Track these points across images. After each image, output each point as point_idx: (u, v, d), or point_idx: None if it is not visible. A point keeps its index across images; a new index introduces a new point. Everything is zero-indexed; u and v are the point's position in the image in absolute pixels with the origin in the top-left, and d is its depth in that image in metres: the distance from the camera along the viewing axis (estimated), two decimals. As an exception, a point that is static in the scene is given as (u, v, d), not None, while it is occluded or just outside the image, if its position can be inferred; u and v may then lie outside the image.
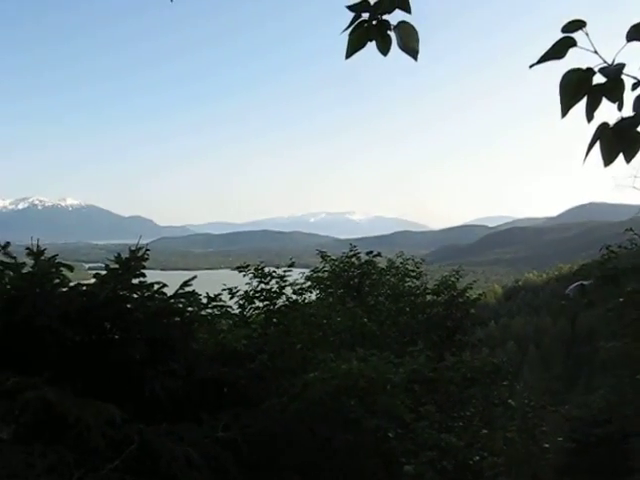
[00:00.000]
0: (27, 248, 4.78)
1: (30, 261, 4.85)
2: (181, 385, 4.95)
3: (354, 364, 5.35)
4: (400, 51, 2.03)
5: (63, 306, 4.76)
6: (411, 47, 2.01)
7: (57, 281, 4.82)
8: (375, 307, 10.38)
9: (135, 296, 5.11)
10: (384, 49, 2.08)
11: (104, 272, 5.29)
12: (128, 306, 5.06)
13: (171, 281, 5.44)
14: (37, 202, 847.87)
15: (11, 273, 4.72)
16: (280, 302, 7.57)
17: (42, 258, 4.82)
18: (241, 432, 4.81)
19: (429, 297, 11.81)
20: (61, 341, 4.67)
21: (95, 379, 4.83)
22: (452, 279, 13.04)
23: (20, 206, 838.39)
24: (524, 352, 70.93)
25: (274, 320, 7.12)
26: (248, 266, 7.75)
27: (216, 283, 5.96)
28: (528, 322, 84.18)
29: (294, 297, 7.83)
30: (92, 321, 4.87)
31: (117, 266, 5.13)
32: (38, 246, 4.80)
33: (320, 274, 11.00)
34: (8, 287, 4.69)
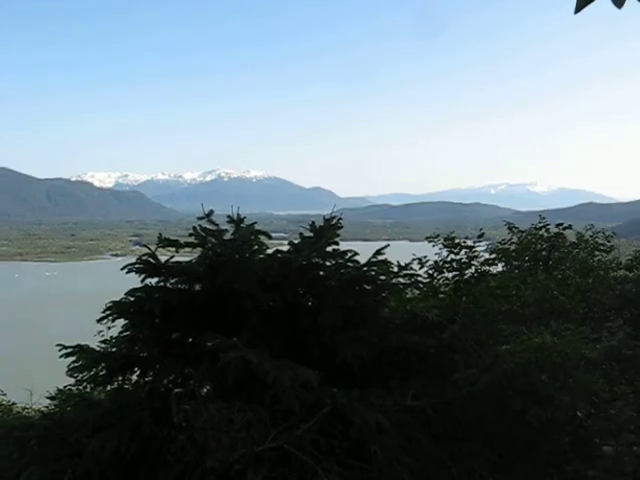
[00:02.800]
0: (228, 216, 5.16)
1: (231, 229, 5.21)
2: (371, 352, 5.10)
3: (547, 338, 5.24)
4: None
5: (261, 272, 5.09)
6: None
7: (255, 248, 5.16)
8: (563, 281, 9.99)
9: (328, 264, 5.34)
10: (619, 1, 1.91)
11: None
12: (321, 273, 5.30)
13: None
14: (224, 174, 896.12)
15: (213, 240, 5.11)
16: (469, 273, 7.53)
17: (242, 226, 5.16)
18: (430, 402, 4.88)
19: (621, 272, 11.15)
20: (258, 305, 5.01)
21: (289, 343, 5.11)
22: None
23: (208, 178, 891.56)
24: None
25: (463, 291, 7.11)
26: (438, 236, 7.78)
27: (396, 254, 6.04)
28: None
29: (483, 268, 7.75)
30: (287, 287, 5.19)
31: (311, 234, 5.37)
32: (238, 215, 5.17)
33: (507, 246, 10.77)
34: (210, 253, 5.08)
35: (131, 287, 5.28)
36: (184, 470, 4.38)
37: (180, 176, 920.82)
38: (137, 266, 5.20)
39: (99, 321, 5.40)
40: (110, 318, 5.34)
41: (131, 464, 4.75)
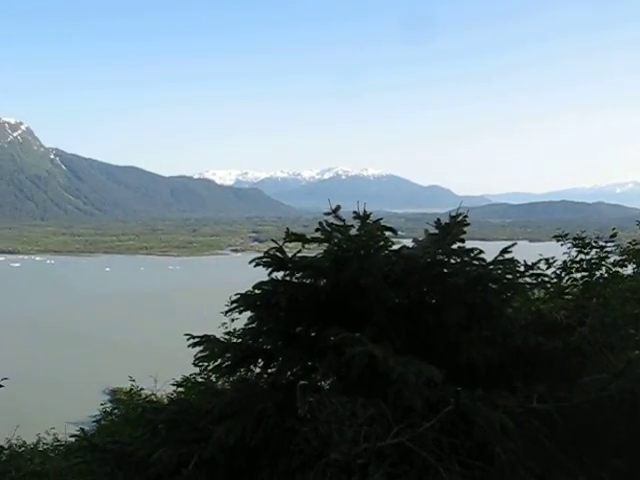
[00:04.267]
0: (354, 212, 5.20)
1: (356, 225, 5.26)
2: (495, 352, 5.00)
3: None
4: None
5: (386, 268, 5.10)
6: None
7: (381, 244, 5.18)
8: None
9: (453, 261, 5.29)
10: None
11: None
12: (445, 271, 5.25)
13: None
14: (341, 172, 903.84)
15: (339, 235, 5.16)
16: (598, 274, 7.25)
17: (368, 222, 5.20)
18: (556, 405, 4.74)
19: None
20: (382, 301, 5.02)
21: (412, 340, 5.09)
22: None
23: (326, 176, 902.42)
24: None
25: (592, 292, 6.86)
26: (567, 234, 7.53)
27: (514, 253, 5.90)
28: None
29: (614, 269, 7.43)
30: (412, 284, 5.18)
31: (436, 231, 5.33)
32: (364, 210, 5.21)
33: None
34: (336, 248, 5.14)
35: (250, 281, 5.43)
36: (306, 461, 4.45)
37: (299, 174, 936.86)
38: (264, 260, 5.33)
39: (226, 313, 5.60)
40: (237, 310, 5.50)
41: (254, 452, 4.88)
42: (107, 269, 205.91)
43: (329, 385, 5.18)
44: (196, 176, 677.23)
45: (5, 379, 6.03)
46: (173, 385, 9.78)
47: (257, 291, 5.34)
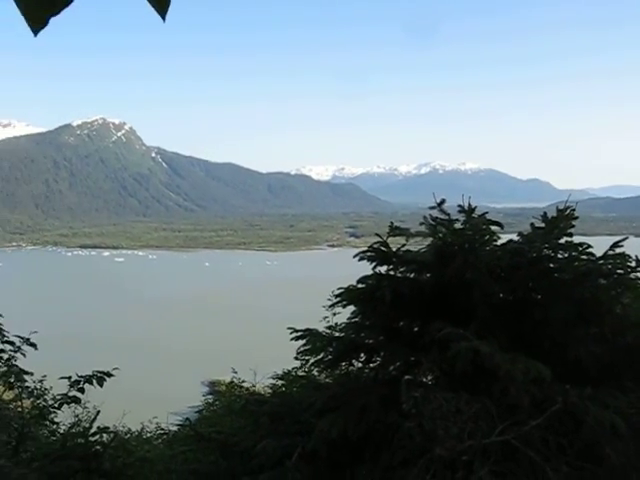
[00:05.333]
0: (459, 205, 5.15)
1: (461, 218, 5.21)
2: (605, 350, 4.85)
3: None
4: None
5: (492, 262, 5.03)
6: None
7: (486, 238, 5.11)
8: None
9: (560, 256, 5.15)
10: None
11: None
12: (552, 266, 5.12)
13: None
14: (438, 167, 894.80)
15: (444, 229, 5.13)
16: None
17: (473, 216, 5.14)
18: (670, 406, 4.56)
19: None
20: (487, 296, 4.95)
21: (517, 336, 5.00)
22: None
23: (423, 170, 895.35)
24: None
25: None
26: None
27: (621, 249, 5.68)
28: None
29: None
30: (517, 279, 5.07)
31: (543, 225, 5.21)
32: (469, 204, 5.15)
33: None
34: (440, 242, 5.10)
35: (347, 276, 5.45)
36: (408, 456, 4.45)
37: (395, 169, 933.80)
38: (368, 254, 5.35)
39: (331, 307, 5.65)
40: (340, 304, 5.55)
41: (356, 446, 4.92)
42: (206, 264, 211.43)
43: (431, 381, 5.15)
44: (293, 172, 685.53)
45: (116, 369, 6.29)
46: (273, 378, 9.95)
47: (361, 285, 5.37)
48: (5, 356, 6.40)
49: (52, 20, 1.38)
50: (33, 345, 6.48)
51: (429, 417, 4.22)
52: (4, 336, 6.48)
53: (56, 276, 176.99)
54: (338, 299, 5.53)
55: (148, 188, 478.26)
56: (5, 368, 6.33)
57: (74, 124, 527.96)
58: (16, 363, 6.40)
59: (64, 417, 7.22)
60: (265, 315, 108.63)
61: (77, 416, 10.59)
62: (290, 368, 8.69)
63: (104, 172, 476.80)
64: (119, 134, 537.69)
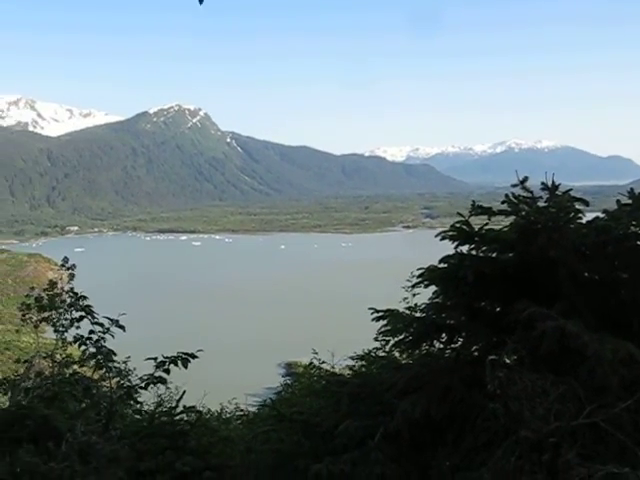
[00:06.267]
0: (542, 183, 5.05)
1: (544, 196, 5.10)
2: None
3: None
4: None
5: (577, 240, 4.91)
6: None
7: (571, 215, 4.99)
8: None
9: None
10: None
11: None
12: (639, 243, 4.96)
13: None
14: (514, 145, 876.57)
15: (527, 207, 5.03)
16: None
17: (557, 193, 5.02)
18: None
19: None
20: (573, 275, 4.84)
21: (604, 316, 4.88)
22: None
23: (498, 149, 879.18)
24: None
25: None
26: None
27: None
28: None
29: None
30: (604, 257, 4.93)
31: (630, 202, 5.05)
32: (553, 182, 5.04)
33: None
34: (523, 221, 5.01)
35: (425, 256, 5.40)
36: (493, 437, 4.41)
37: (470, 148, 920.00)
38: (450, 233, 5.30)
39: (413, 287, 5.64)
40: (422, 284, 5.52)
41: (439, 427, 4.91)
42: (282, 246, 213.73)
43: (513, 361, 5.09)
44: (367, 154, 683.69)
45: (200, 350, 6.45)
46: (352, 359, 9.99)
47: (442, 265, 5.33)
48: (95, 337, 6.64)
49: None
50: (122, 327, 6.70)
51: (514, 398, 4.17)
52: (94, 318, 6.73)
53: (136, 260, 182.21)
54: (419, 279, 5.50)
55: (224, 173, 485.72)
56: (94, 349, 6.58)
57: (151, 111, 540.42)
58: (104, 344, 6.65)
59: (146, 397, 7.45)
60: (341, 297, 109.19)
61: (159, 396, 10.92)
62: (369, 349, 8.71)
63: (180, 158, 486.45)
64: (194, 120, 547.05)
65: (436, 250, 5.55)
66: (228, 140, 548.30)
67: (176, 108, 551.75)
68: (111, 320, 6.70)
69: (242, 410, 13.73)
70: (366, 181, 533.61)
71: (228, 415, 13.61)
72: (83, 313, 7.13)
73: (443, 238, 5.32)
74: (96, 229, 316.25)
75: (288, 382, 14.99)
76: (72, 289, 7.37)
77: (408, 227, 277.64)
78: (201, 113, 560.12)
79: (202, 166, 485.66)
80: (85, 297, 7.06)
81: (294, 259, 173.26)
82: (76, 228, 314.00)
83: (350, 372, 8.34)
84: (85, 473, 4.67)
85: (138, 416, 7.33)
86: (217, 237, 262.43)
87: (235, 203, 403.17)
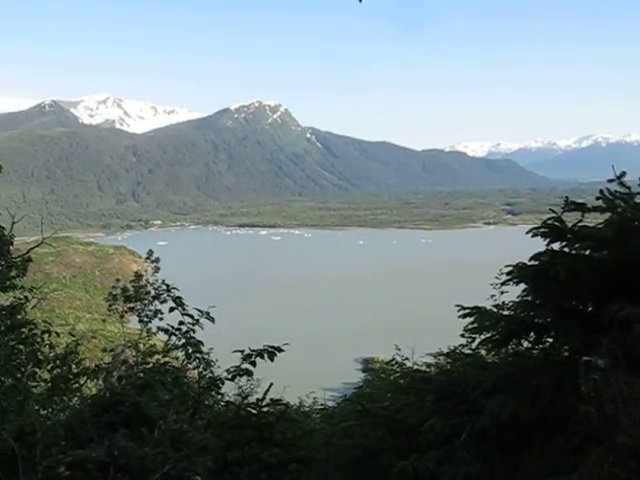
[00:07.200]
0: (640, 178, 4.87)
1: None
2: None
3: None
4: None
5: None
6: None
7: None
8: None
9: None
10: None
11: None
12: None
13: None
14: (601, 139, 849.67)
15: (623, 203, 4.86)
16: None
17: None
18: None
19: None
20: (672, 275, 4.65)
21: None
22: None
23: (584, 144, 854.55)
24: None
25: None
26: None
27: None
28: None
29: None
30: None
31: None
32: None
33: None
34: (619, 218, 4.84)
35: (508, 254, 5.28)
36: (585, 442, 4.28)
37: (554, 143, 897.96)
38: (542, 230, 5.17)
39: (502, 284, 5.53)
40: (512, 282, 5.40)
41: (527, 428, 4.79)
42: (360, 242, 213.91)
43: (604, 363, 4.92)
44: (447, 149, 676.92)
45: (286, 344, 6.50)
46: (435, 356, 9.92)
47: (533, 262, 5.20)
48: (184, 328, 6.79)
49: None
50: (211, 319, 6.82)
51: (610, 402, 4.03)
52: (184, 309, 6.88)
53: (217, 253, 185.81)
54: (508, 276, 5.39)
55: (303, 168, 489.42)
56: (184, 339, 6.72)
57: (232, 108, 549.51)
58: (194, 335, 6.78)
59: (226, 388, 7.56)
60: (423, 293, 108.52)
61: (240, 387, 11.09)
62: (455, 345, 8.61)
63: (261, 153, 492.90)
64: (275, 116, 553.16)
65: (519, 247, 5.44)
66: (308, 136, 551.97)
67: (257, 104, 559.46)
68: (201, 312, 6.82)
69: (322, 404, 13.82)
70: (446, 177, 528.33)
71: (306, 409, 13.73)
72: (173, 304, 7.29)
73: (534, 235, 5.19)
74: (178, 223, 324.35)
75: (369, 377, 14.98)
76: (164, 281, 7.56)
77: (489, 224, 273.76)
78: (281, 109, 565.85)
79: (282, 161, 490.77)
80: (176, 289, 7.23)
81: (373, 254, 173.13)
82: (159, 222, 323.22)
83: (434, 369, 8.27)
84: (177, 460, 4.78)
85: (222, 406, 7.48)
86: (296, 232, 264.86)
87: (314, 198, 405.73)
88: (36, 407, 8.77)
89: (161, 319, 11.67)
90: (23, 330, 10.12)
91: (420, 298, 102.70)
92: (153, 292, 11.85)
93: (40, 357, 9.99)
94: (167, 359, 8.95)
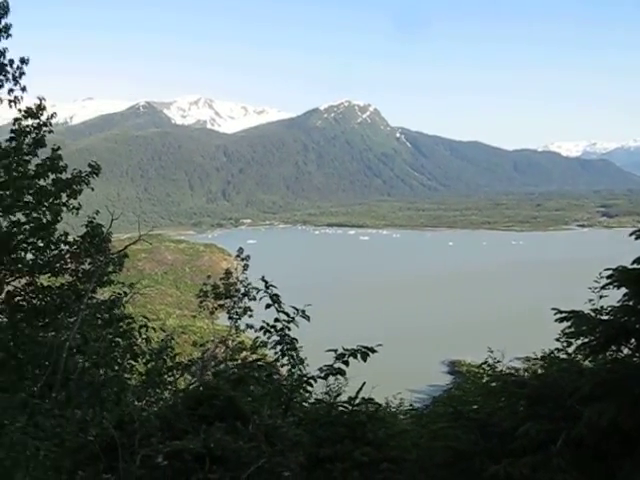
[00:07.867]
0: None
1: None
2: None
3: None
4: None
5: None
6: None
7: None
8: None
9: None
10: None
11: None
12: None
13: None
14: None
15: None
16: None
17: None
18: None
19: None
20: None
21: None
22: None
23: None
24: None
25: None
26: None
27: None
28: None
29: None
30: None
31: None
32: None
33: None
34: None
35: (604, 257, 5.12)
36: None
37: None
38: (645, 232, 5.02)
39: (602, 288, 5.39)
40: (612, 286, 5.25)
41: (627, 437, 4.65)
42: (450, 243, 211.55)
43: None
44: (540, 149, 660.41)
45: (380, 345, 6.51)
46: (528, 360, 9.72)
47: (636, 266, 5.04)
48: (279, 325, 6.87)
49: None
50: (307, 317, 6.88)
51: None
52: (281, 307, 6.97)
53: (306, 252, 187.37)
54: (609, 280, 5.24)
55: (393, 168, 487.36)
56: (278, 337, 6.81)
57: (321, 108, 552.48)
58: (288, 333, 6.86)
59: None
60: (510, 295, 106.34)
61: (328, 386, 11.15)
62: (550, 349, 8.41)
63: (350, 153, 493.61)
64: (364, 116, 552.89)
65: (615, 250, 5.27)
66: (397, 135, 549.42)
67: (346, 104, 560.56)
68: (296, 310, 6.89)
69: (410, 405, 13.76)
70: (538, 177, 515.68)
71: (393, 409, 13.69)
72: (262, 302, 7.39)
73: (638, 237, 5.03)
74: (267, 222, 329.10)
75: (458, 380, 14.80)
76: (263, 277, 7.66)
77: (583, 226, 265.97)
78: (371, 109, 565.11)
79: (371, 161, 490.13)
80: (274, 286, 7.32)
81: (463, 256, 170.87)
82: (249, 220, 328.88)
83: (526, 373, 8.10)
84: (271, 454, 4.88)
85: (312, 404, 7.54)
86: (385, 232, 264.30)
87: (403, 198, 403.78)
88: (131, 399, 9.05)
89: (250, 316, 11.86)
90: (121, 324, 10.49)
91: (508, 300, 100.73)
92: (243, 289, 12.06)
93: (136, 350, 10.32)
94: (257, 355, 9.08)
